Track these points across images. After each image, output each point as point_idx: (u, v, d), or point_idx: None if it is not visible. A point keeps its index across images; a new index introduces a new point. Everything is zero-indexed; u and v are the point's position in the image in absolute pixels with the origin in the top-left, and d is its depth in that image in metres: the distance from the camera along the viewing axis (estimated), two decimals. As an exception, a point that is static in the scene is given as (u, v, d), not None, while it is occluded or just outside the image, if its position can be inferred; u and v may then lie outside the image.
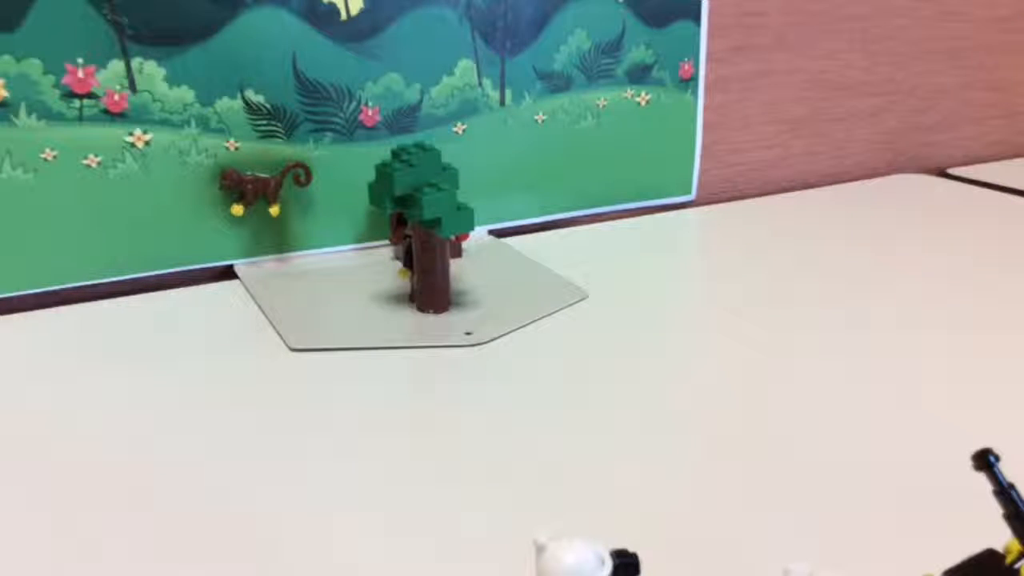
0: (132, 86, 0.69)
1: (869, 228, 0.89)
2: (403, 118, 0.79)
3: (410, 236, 0.67)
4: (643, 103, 0.91)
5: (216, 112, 0.72)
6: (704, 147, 0.98)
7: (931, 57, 1.12)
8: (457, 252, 0.79)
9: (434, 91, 0.80)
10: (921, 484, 0.46)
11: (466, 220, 0.65)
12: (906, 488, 0.46)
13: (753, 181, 1.05)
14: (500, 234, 0.87)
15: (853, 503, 0.45)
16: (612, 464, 0.49)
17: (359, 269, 0.77)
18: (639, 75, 0.90)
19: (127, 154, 0.70)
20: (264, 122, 0.74)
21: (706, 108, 0.97)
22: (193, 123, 0.72)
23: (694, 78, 0.93)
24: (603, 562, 0.30)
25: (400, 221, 0.70)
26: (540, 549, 0.31)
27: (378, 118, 0.78)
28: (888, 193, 1.03)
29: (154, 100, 0.70)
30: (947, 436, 0.51)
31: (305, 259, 0.79)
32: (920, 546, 0.41)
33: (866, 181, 1.08)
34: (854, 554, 0.41)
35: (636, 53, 0.89)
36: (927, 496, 0.45)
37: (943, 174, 1.13)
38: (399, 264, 0.71)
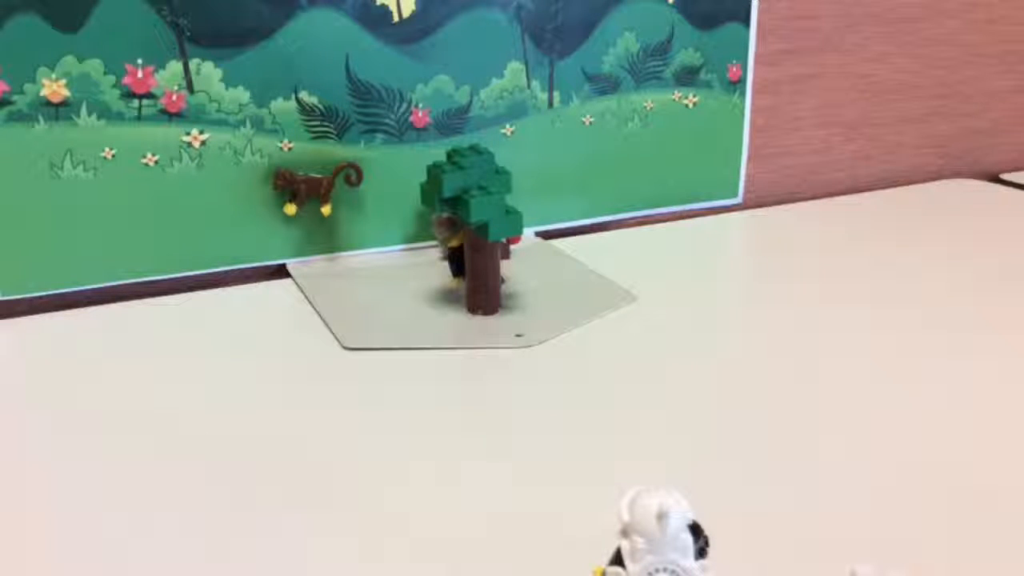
0: (189, 86, 0.71)
1: (920, 233, 0.88)
2: (453, 120, 0.80)
3: (460, 245, 0.68)
4: (691, 105, 0.91)
5: (271, 113, 0.73)
6: (752, 150, 0.97)
7: (983, 60, 1.10)
8: (506, 254, 0.79)
9: (483, 93, 0.81)
10: (972, 485, 0.46)
11: (514, 224, 0.65)
12: (961, 489, 0.46)
13: (802, 184, 1.04)
14: (547, 236, 0.87)
15: (906, 505, 0.45)
16: (664, 464, 0.49)
17: (409, 269, 0.78)
18: (687, 77, 0.90)
19: (184, 153, 0.72)
20: (317, 123, 0.75)
21: (754, 111, 0.96)
22: (248, 123, 0.73)
23: (742, 80, 0.93)
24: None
25: (452, 224, 0.70)
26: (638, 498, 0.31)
27: (428, 119, 0.79)
28: (940, 198, 1.01)
29: (211, 100, 0.71)
30: (1004, 439, 0.50)
31: (356, 258, 0.79)
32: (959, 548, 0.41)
33: (917, 186, 1.07)
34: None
35: (684, 55, 0.89)
36: (982, 498, 0.45)
37: (996, 179, 1.12)
38: (448, 265, 0.72)
